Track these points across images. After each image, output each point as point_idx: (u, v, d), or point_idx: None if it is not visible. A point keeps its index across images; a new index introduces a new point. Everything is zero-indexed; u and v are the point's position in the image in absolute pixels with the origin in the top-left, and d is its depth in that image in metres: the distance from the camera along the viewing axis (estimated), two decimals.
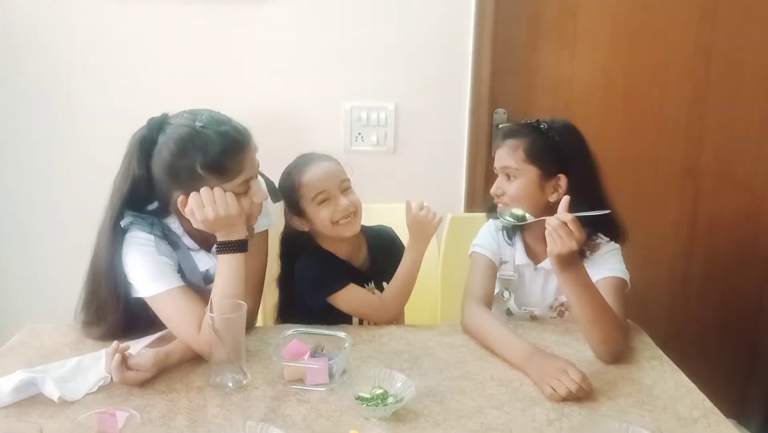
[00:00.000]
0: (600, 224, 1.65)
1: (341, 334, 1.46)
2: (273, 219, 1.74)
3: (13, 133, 2.34)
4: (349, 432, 1.12)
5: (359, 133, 2.35)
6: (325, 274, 1.71)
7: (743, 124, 2.43)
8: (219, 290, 1.46)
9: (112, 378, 1.35)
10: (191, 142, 1.44)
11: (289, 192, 1.72)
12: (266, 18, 2.26)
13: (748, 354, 2.62)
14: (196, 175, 1.44)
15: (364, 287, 1.75)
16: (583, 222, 1.45)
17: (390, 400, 1.28)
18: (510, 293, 1.76)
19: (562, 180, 1.64)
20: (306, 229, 1.75)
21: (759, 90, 2.41)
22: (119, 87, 2.27)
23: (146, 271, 1.49)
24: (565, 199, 1.44)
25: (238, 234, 1.48)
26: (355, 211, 1.71)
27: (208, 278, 1.58)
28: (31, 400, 1.29)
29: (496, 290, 1.75)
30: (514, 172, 1.65)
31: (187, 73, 2.27)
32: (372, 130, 2.35)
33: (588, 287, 1.48)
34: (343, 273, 1.72)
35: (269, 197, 1.65)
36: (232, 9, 2.24)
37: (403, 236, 1.81)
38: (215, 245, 1.49)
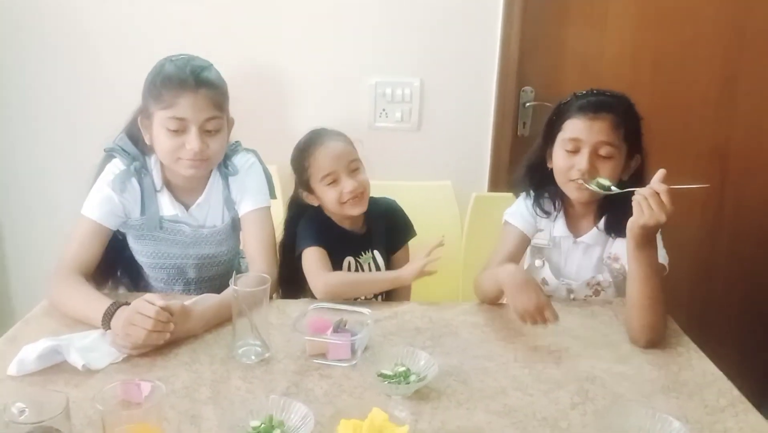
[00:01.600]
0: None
1: (364, 310, 1.46)
2: (268, 200, 1.77)
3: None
4: (371, 409, 1.11)
5: (383, 110, 2.33)
6: (311, 230, 1.73)
7: None
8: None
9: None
10: (155, 68, 1.61)
11: (299, 169, 1.76)
12: None
13: None
14: (145, 95, 1.61)
15: (361, 254, 1.76)
16: (627, 202, 1.44)
17: (412, 378, 1.27)
18: (544, 261, 1.74)
19: (637, 160, 1.63)
20: (315, 204, 1.77)
21: None
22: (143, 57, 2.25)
23: (94, 193, 1.66)
24: (661, 172, 1.41)
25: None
26: (363, 192, 1.72)
27: (163, 225, 1.69)
28: (55, 368, 1.30)
29: (529, 261, 1.74)
30: (613, 151, 1.59)
31: (205, 47, 2.18)
32: (396, 106, 2.32)
33: (655, 270, 1.47)
34: (334, 239, 1.74)
35: (268, 193, 1.76)
36: None
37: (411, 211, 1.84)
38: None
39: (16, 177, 2.42)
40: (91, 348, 1.34)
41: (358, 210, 1.73)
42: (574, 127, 1.62)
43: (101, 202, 1.64)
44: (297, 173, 1.77)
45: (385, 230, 1.82)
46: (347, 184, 1.69)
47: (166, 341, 1.38)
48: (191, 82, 1.57)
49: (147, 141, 1.64)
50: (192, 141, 1.58)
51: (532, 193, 1.76)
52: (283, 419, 1.12)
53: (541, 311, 1.43)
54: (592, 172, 1.58)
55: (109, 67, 2.29)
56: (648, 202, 1.38)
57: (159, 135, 1.60)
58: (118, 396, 1.09)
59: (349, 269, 1.76)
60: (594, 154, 1.59)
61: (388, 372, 1.28)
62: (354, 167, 1.72)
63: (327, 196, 1.71)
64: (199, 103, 1.58)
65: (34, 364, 1.28)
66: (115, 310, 1.41)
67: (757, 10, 2.30)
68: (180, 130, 1.58)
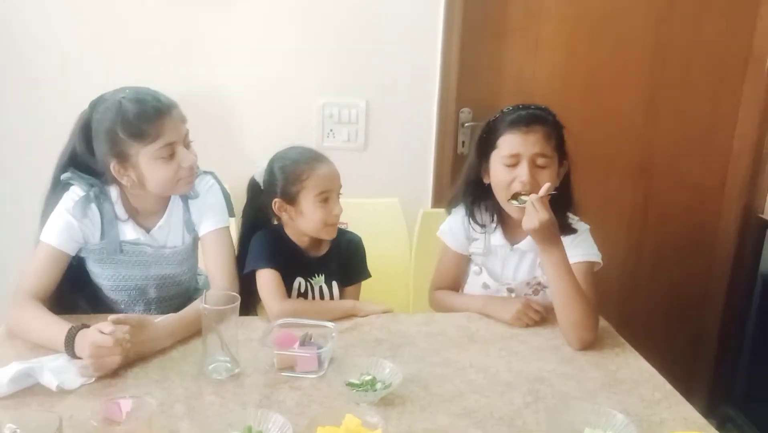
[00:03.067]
0: (567, 205, 1.77)
1: (328, 324, 1.53)
2: (228, 220, 1.81)
3: None
4: (344, 416, 1.19)
5: (331, 130, 2.41)
6: (265, 249, 1.75)
7: (692, 125, 2.60)
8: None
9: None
10: (113, 111, 1.60)
11: (289, 178, 1.74)
12: (239, 14, 2.29)
13: (693, 342, 2.81)
14: (119, 140, 1.59)
15: (313, 277, 1.80)
16: (555, 205, 1.61)
17: (379, 386, 1.35)
18: (481, 268, 1.85)
19: (565, 166, 1.75)
20: (283, 216, 1.77)
21: (707, 92, 2.58)
22: (90, 83, 2.25)
23: (54, 220, 1.66)
24: (546, 185, 1.56)
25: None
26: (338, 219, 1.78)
27: (124, 248, 1.72)
28: (28, 390, 1.31)
29: (473, 267, 1.86)
30: (546, 162, 1.68)
31: (157, 66, 2.27)
32: (343, 126, 2.41)
33: (565, 267, 1.60)
34: (288, 257, 1.76)
35: (227, 213, 1.80)
36: (203, 5, 2.27)
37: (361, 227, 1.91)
38: None
39: None
40: (63, 369, 1.37)
41: (332, 235, 1.78)
42: (511, 143, 1.69)
43: (61, 229, 1.65)
44: (284, 183, 1.75)
45: (341, 261, 1.84)
46: (336, 207, 1.74)
47: (137, 356, 1.43)
48: (163, 108, 1.61)
49: (126, 183, 1.64)
50: (186, 158, 1.64)
51: (467, 208, 1.85)
52: (262, 429, 1.18)
53: (530, 309, 1.66)
54: (532, 183, 1.66)
55: (52, 94, 2.29)
56: (528, 210, 1.57)
57: (152, 169, 1.62)
58: (99, 415, 1.13)
59: (299, 290, 1.79)
60: (532, 166, 1.67)
61: (356, 381, 1.36)
62: (340, 194, 1.78)
63: (314, 214, 1.73)
64: (176, 123, 1.64)
65: (7, 387, 1.30)
66: (75, 334, 1.42)
67: (678, 37, 2.50)
68: (172, 155, 1.62)
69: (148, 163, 1.62)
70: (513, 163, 1.70)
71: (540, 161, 1.68)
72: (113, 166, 1.62)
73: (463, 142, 2.52)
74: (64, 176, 1.69)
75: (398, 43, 2.37)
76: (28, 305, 1.55)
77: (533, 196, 1.56)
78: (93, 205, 1.68)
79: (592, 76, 2.52)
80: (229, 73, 2.34)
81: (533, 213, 1.55)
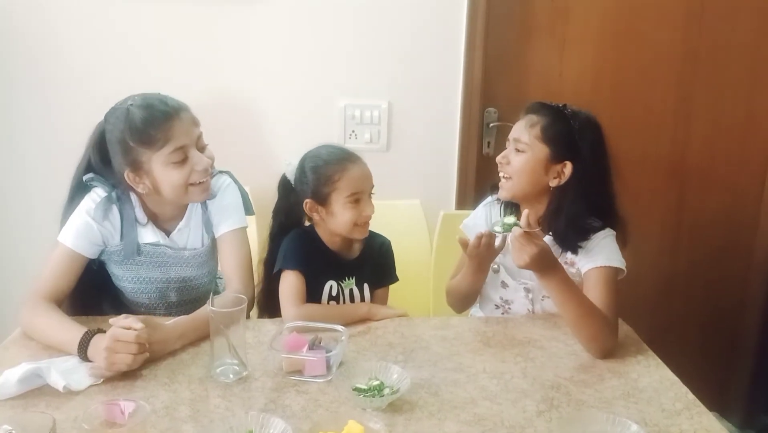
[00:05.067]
0: (596, 210, 1.70)
1: (338, 327, 1.50)
2: (245, 220, 1.80)
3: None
4: (348, 422, 1.16)
5: (353, 131, 2.39)
6: (296, 250, 1.72)
7: (728, 125, 2.50)
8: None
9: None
10: (122, 120, 1.60)
11: (320, 179, 1.71)
12: (260, 16, 2.29)
13: (730, 349, 2.70)
14: (130, 148, 1.59)
15: (344, 280, 1.77)
16: (575, 206, 1.62)
17: (386, 391, 1.32)
18: (499, 266, 1.80)
19: (568, 167, 1.67)
20: (314, 216, 1.75)
21: (743, 91, 2.47)
22: (105, 89, 2.27)
23: (72, 219, 1.67)
24: (524, 214, 1.49)
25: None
26: (370, 219, 1.75)
27: (143, 250, 1.71)
28: (36, 391, 1.32)
29: (492, 266, 1.79)
30: (524, 146, 1.68)
31: (178, 72, 2.28)
32: (365, 128, 2.39)
33: (568, 290, 1.53)
34: (319, 260, 1.74)
35: (244, 210, 1.79)
36: (225, 7, 2.27)
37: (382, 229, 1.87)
38: None
39: None
40: (72, 370, 1.37)
41: (363, 234, 1.75)
42: (513, 127, 1.75)
43: (79, 230, 1.65)
44: (315, 183, 1.72)
45: (373, 264, 1.83)
46: (368, 209, 1.72)
47: (147, 359, 1.42)
48: (171, 112, 1.60)
49: (142, 191, 1.64)
50: (199, 161, 1.63)
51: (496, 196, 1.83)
52: None
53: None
54: (504, 165, 1.72)
55: (81, 93, 2.30)
56: (513, 245, 1.51)
57: (165, 175, 1.61)
58: (101, 417, 1.13)
59: (329, 293, 1.76)
60: (513, 148, 1.71)
61: (363, 386, 1.33)
62: (372, 194, 1.76)
63: (345, 215, 1.70)
64: (186, 125, 1.63)
65: (15, 387, 1.31)
66: (90, 338, 1.42)
67: (709, 34, 2.41)
68: (184, 159, 1.61)
69: (160, 170, 1.60)
70: (507, 146, 1.75)
71: (519, 145, 1.70)
72: (127, 175, 1.62)
73: (489, 143, 2.47)
74: (87, 177, 1.70)
75: (420, 42, 2.34)
76: (41, 307, 1.56)
77: (516, 229, 1.48)
78: (114, 207, 1.69)
79: (621, 75, 2.44)
80: (250, 76, 2.34)
81: (520, 248, 1.49)
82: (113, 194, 1.68)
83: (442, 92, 2.38)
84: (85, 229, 1.66)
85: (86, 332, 1.43)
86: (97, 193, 1.69)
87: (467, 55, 2.34)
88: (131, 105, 1.60)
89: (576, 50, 2.42)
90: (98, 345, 1.39)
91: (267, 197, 1.89)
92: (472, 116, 2.41)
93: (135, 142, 1.58)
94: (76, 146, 1.74)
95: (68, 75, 2.31)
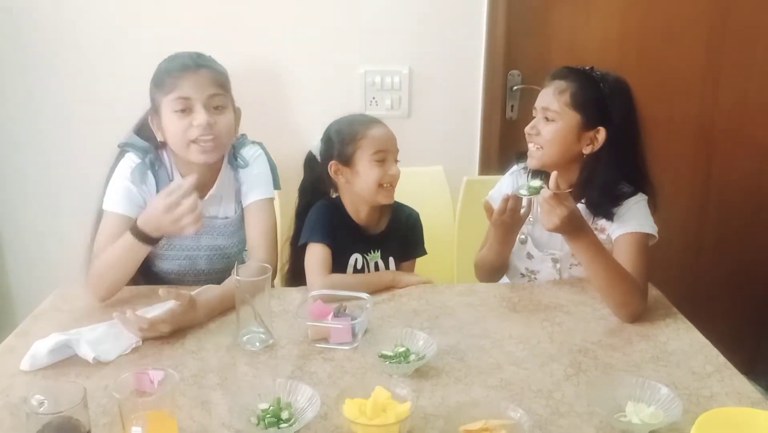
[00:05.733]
0: (628, 175, 1.66)
1: (363, 295, 1.50)
2: (273, 192, 1.81)
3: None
4: (375, 388, 1.16)
5: (373, 98, 2.37)
6: (322, 223, 1.72)
7: (757, 85, 2.43)
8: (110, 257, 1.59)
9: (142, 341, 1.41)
10: (158, 66, 1.70)
11: (345, 140, 1.72)
12: None
13: (760, 311, 2.66)
14: (151, 91, 1.69)
15: (369, 252, 1.77)
16: (608, 173, 1.57)
17: (412, 357, 1.32)
18: (526, 237, 1.78)
19: (601, 133, 1.63)
20: (339, 179, 1.75)
21: None
22: (133, 65, 2.27)
23: (113, 188, 1.70)
24: (553, 175, 1.45)
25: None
26: (396, 183, 1.74)
27: None
28: (66, 361, 1.34)
29: (519, 236, 1.76)
30: (554, 115, 1.64)
31: (197, 40, 2.23)
32: (386, 94, 2.36)
33: (598, 253, 1.50)
34: (345, 233, 1.74)
35: (272, 185, 1.80)
36: None
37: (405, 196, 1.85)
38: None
39: (15, 178, 2.44)
40: (101, 341, 1.39)
41: (387, 199, 1.74)
42: (539, 95, 1.70)
43: (123, 195, 1.68)
44: (340, 145, 1.72)
45: (400, 237, 1.83)
46: (393, 168, 1.71)
47: (173, 331, 1.43)
48: (191, 65, 1.65)
49: (159, 138, 1.70)
50: (199, 116, 1.63)
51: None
52: (291, 401, 1.16)
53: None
54: (534, 135, 1.67)
55: (103, 70, 2.31)
56: (542, 207, 1.47)
57: (167, 122, 1.65)
58: (131, 386, 1.14)
59: (355, 266, 1.76)
60: (542, 118, 1.67)
61: (389, 353, 1.33)
62: (397, 158, 1.75)
63: (370, 174, 1.69)
64: (201, 81, 1.64)
65: (46, 358, 1.32)
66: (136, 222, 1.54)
67: None
68: (186, 110, 1.63)
69: (167, 116, 1.65)
70: (534, 115, 1.70)
71: (548, 114, 1.65)
72: (150, 118, 1.70)
73: (512, 107, 2.43)
74: (121, 143, 1.74)
75: (440, 4, 2.29)
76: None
77: (545, 191, 1.45)
78: (149, 172, 1.72)
79: (648, 36, 2.38)
80: (269, 44, 2.32)
81: (550, 211, 1.45)
82: (146, 160, 1.71)
83: (464, 56, 2.34)
84: (127, 192, 1.69)
85: (131, 227, 1.55)
86: (131, 159, 1.72)
87: (489, 17, 2.30)
88: (167, 56, 1.69)
89: (601, 11, 2.36)
90: (155, 209, 1.49)
91: (288, 167, 1.89)
92: (495, 80, 2.37)
93: (153, 85, 1.67)
94: (93, 144, 1.75)
95: (83, 51, 2.31)
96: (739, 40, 2.38)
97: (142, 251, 1.56)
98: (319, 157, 1.80)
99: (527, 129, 1.69)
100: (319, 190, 1.82)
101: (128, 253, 1.56)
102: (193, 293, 1.52)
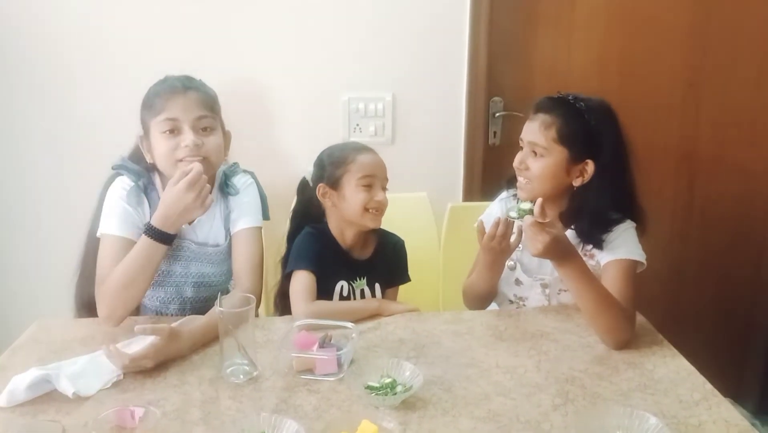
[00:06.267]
0: (618, 203, 1.66)
1: (348, 324, 1.48)
2: (261, 221, 1.82)
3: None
4: (360, 422, 1.14)
5: (357, 124, 2.37)
6: (308, 250, 1.73)
7: (738, 109, 2.46)
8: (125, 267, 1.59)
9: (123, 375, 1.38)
10: (148, 91, 1.73)
11: (334, 163, 1.75)
12: (263, 10, 2.26)
13: (744, 335, 2.67)
14: (141, 115, 1.72)
15: (355, 280, 1.77)
16: (598, 202, 1.58)
17: (399, 389, 1.31)
18: (515, 263, 1.77)
19: (590, 166, 1.62)
20: (326, 202, 1.76)
21: (752, 76, 2.43)
22: (120, 90, 2.25)
23: (110, 211, 1.69)
24: (538, 203, 1.45)
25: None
26: (384, 209, 1.75)
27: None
28: (46, 397, 1.31)
29: (508, 262, 1.75)
30: (542, 150, 1.63)
31: (181, 65, 2.23)
32: (370, 120, 2.37)
33: (586, 279, 1.50)
34: (331, 259, 1.74)
35: (261, 214, 1.82)
36: (229, 1, 2.23)
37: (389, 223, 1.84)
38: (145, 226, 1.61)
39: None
40: (81, 374, 1.35)
41: (375, 223, 1.74)
42: (525, 128, 1.69)
43: (121, 218, 1.68)
44: (330, 168, 1.75)
45: (386, 264, 1.83)
46: (380, 194, 1.72)
47: (155, 364, 1.41)
48: (180, 87, 1.69)
49: (149, 159, 1.71)
50: (186, 138, 1.65)
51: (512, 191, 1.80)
52: None
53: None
54: (521, 168, 1.67)
55: (89, 96, 2.28)
56: (526, 234, 1.48)
57: (156, 143, 1.67)
58: (112, 422, 1.11)
59: (341, 293, 1.75)
60: (529, 152, 1.66)
61: (375, 384, 1.32)
62: (386, 185, 1.76)
63: (356, 198, 1.71)
64: (189, 103, 1.67)
65: (24, 394, 1.29)
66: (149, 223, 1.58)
67: (716, 16, 2.37)
68: (174, 131, 1.66)
69: (155, 137, 1.67)
70: (521, 146, 1.69)
71: (536, 149, 1.65)
72: (140, 141, 1.73)
73: (495, 133, 2.44)
74: (115, 165, 1.75)
75: (424, 32, 2.30)
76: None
77: (528, 218, 1.45)
78: (143, 195, 1.72)
79: (629, 61, 2.40)
80: (253, 71, 2.31)
81: (533, 237, 1.46)
82: (140, 183, 1.72)
83: (447, 83, 2.35)
84: (124, 214, 1.68)
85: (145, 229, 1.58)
86: (124, 182, 1.73)
87: (471, 44, 2.31)
88: (158, 80, 1.72)
89: (583, 37, 2.38)
90: (173, 194, 1.55)
91: (271, 194, 1.90)
92: (478, 106, 2.38)
93: (142, 108, 1.71)
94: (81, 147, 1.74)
95: (70, 74, 2.28)
96: (719, 64, 2.41)
97: (160, 252, 1.59)
98: (311, 182, 1.81)
99: (516, 164, 1.68)
100: (311, 215, 1.82)
101: (146, 259, 1.58)
102: (176, 323, 1.50)
